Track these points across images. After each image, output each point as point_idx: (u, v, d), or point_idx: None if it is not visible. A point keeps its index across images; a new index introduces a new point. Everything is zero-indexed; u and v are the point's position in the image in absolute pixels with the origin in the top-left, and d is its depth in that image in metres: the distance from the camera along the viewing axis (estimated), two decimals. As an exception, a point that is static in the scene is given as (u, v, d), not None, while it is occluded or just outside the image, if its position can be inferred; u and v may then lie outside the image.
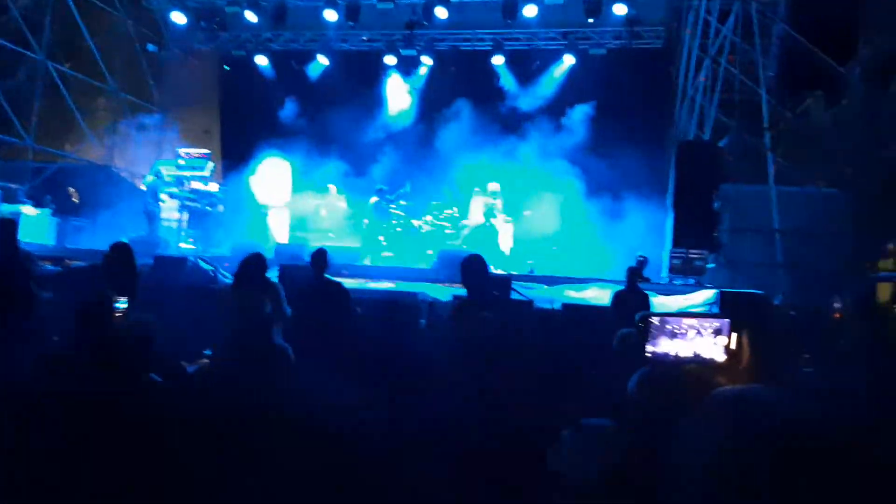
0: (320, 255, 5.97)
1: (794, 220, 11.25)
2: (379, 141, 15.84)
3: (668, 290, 9.61)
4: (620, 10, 15.21)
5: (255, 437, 3.26)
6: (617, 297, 7.48)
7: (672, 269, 10.61)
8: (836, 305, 5.19)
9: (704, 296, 9.13)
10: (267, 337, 5.06)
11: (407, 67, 17.50)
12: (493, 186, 13.93)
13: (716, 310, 8.73)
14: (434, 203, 14.40)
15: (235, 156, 16.02)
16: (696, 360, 3.19)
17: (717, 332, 3.20)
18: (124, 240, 6.20)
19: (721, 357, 3.17)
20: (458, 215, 14.33)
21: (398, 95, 17.21)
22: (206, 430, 3.22)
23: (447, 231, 14.22)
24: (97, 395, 3.16)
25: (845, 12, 12.09)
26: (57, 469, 2.98)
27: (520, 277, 10.98)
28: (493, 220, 13.51)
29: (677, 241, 10.68)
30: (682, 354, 3.21)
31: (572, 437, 3.26)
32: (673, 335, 3.21)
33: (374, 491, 3.34)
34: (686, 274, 10.43)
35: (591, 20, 15.60)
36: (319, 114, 15.65)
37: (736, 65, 12.83)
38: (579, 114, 15.11)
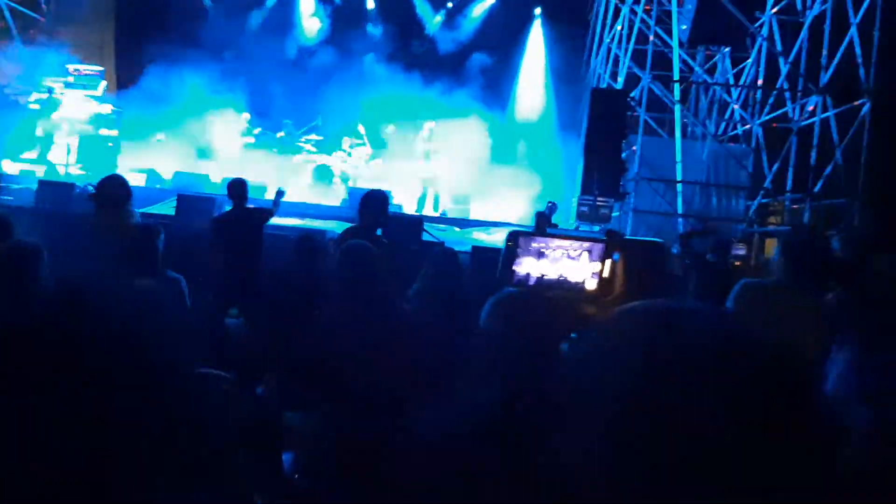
0: (239, 185, 5.65)
1: (697, 172, 11.75)
2: (288, 69, 15.09)
3: (572, 236, 9.88)
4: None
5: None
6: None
7: (580, 216, 10.89)
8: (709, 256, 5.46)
9: (608, 243, 9.45)
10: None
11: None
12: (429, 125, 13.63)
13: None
14: (346, 139, 14.02)
15: (130, 75, 14.87)
16: (562, 283, 3.04)
17: (589, 254, 3.05)
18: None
19: (591, 284, 3.03)
20: (371, 154, 14.04)
21: (310, 20, 16.44)
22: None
23: (356, 169, 13.90)
24: None
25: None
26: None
27: (432, 219, 11.00)
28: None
29: (585, 189, 10.93)
30: (546, 276, 3.06)
31: None
32: (540, 255, 3.05)
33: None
34: (592, 221, 10.73)
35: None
36: (224, 33, 14.73)
37: (652, 16, 12.98)
38: (499, 54, 14.98)
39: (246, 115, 14.06)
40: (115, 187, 4.75)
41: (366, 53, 15.64)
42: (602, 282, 2.98)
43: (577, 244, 3.11)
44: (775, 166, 12.02)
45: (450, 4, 16.57)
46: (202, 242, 6.17)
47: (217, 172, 11.93)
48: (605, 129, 11.50)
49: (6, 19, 14.92)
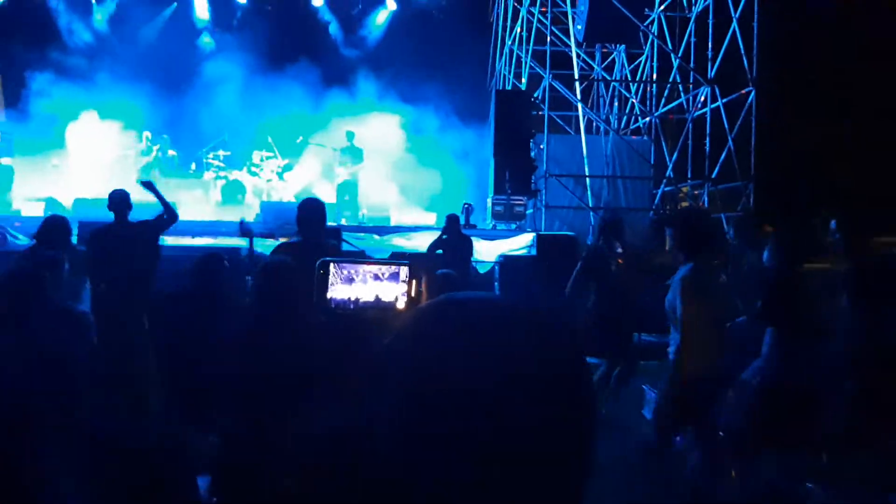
0: (119, 197, 5.30)
1: (603, 166, 12.23)
2: (191, 82, 14.65)
3: (492, 236, 10.10)
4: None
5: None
6: (434, 244, 7.73)
7: (495, 216, 11.13)
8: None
9: (525, 239, 9.71)
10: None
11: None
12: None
13: (534, 252, 9.37)
14: (256, 152, 13.72)
15: (15, 96, 14.06)
16: (377, 304, 3.26)
17: (395, 277, 3.30)
18: None
19: (402, 303, 3.26)
20: (281, 167, 13.78)
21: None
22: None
23: (269, 182, 13.63)
24: None
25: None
26: None
27: (350, 228, 10.95)
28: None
29: (499, 188, 11.18)
30: (362, 299, 3.27)
31: None
32: (350, 280, 3.29)
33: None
34: (508, 219, 10.99)
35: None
36: (115, 44, 14.16)
37: (548, 16, 13.40)
38: (403, 61, 15.04)
39: (147, 134, 13.50)
40: None
41: (266, 62, 15.34)
42: (410, 300, 3.28)
43: (384, 268, 3.48)
44: (675, 156, 12.67)
45: (354, 11, 16.57)
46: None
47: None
48: (512, 129, 11.81)
49: None
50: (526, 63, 13.70)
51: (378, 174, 13.61)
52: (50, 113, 12.96)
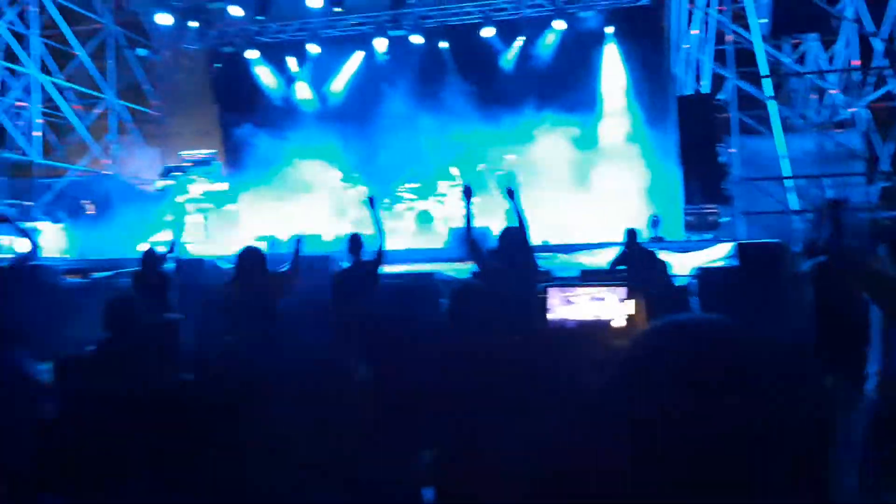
0: (354, 240, 6.04)
1: (806, 165, 11.38)
2: (379, 122, 15.85)
3: (685, 248, 9.79)
4: (606, -31, 15.14)
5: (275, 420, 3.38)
6: (616, 260, 7.67)
7: (687, 227, 10.76)
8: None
9: (723, 249, 9.31)
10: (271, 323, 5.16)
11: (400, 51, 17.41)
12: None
13: (735, 262, 8.94)
14: (442, 183, 14.49)
15: (236, 152, 16.06)
16: (596, 324, 3.34)
17: (615, 298, 3.37)
18: (151, 246, 6.53)
19: (620, 322, 3.33)
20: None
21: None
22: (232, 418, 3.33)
23: (455, 208, 14.33)
24: (129, 397, 3.27)
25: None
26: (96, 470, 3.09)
27: (535, 248, 11.12)
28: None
29: (688, 198, 10.81)
30: (584, 319, 3.37)
31: None
32: (569, 302, 3.41)
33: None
34: (701, 230, 10.59)
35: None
36: (319, 101, 15.67)
37: (727, 14, 12.81)
38: (576, 78, 15.11)
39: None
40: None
41: (445, 95, 16.13)
42: (629, 319, 3.33)
43: (602, 289, 3.54)
44: (889, 148, 11.47)
45: (522, 38, 16.95)
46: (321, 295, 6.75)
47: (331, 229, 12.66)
48: (698, 135, 11.41)
49: (125, 118, 16.51)
50: (707, 65, 13.17)
51: (558, 191, 13.74)
52: (264, 161, 14.60)
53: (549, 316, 3.64)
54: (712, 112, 11.87)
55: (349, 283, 5.91)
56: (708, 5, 13.12)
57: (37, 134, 14.46)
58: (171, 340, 3.65)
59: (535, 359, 3.81)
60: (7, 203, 11.99)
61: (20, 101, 14.76)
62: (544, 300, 3.64)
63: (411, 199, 14.54)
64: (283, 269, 6.05)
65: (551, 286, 3.70)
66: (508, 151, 14.13)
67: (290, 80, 17.48)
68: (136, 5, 16.80)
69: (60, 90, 15.17)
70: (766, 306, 5.35)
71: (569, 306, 3.63)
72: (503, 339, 4.00)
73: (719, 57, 12.70)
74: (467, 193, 5.90)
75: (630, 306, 3.58)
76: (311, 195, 14.53)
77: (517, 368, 3.83)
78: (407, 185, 14.68)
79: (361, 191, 14.80)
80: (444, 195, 14.35)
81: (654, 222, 10.78)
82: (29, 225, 11.93)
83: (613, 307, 3.58)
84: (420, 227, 13.91)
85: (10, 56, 14.35)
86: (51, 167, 15.04)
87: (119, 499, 2.97)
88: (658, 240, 10.66)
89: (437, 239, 13.33)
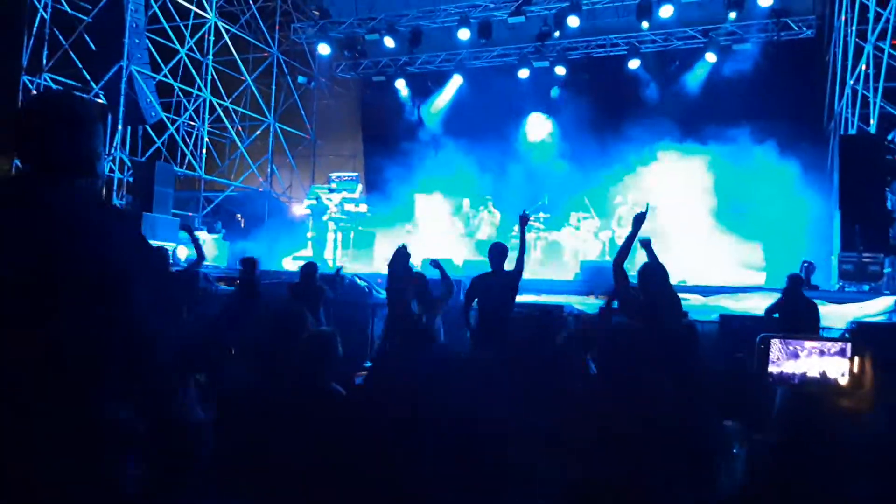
0: (497, 248, 6.14)
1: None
2: (516, 152, 16.00)
3: (840, 299, 9.00)
4: (766, 1, 14.43)
5: (419, 441, 3.42)
6: (772, 307, 7.14)
7: (843, 275, 9.87)
8: None
9: (884, 303, 8.47)
10: (423, 337, 5.29)
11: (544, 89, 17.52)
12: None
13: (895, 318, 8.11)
14: (574, 213, 14.33)
15: (379, 176, 16.82)
16: (822, 380, 3.17)
17: (841, 353, 3.19)
18: (312, 261, 6.94)
19: (844, 380, 3.12)
20: (599, 225, 14.16)
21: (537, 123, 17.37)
22: (379, 436, 3.42)
23: (585, 243, 14.10)
24: (286, 404, 3.43)
25: None
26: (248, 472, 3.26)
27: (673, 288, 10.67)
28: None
29: (847, 244, 9.95)
30: (808, 374, 3.22)
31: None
32: (795, 355, 3.24)
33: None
34: (859, 280, 9.68)
35: (732, 14, 14.95)
36: (458, 131, 16.08)
37: (901, 49, 11.79)
38: (727, 114, 14.43)
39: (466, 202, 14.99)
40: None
41: (584, 124, 15.96)
42: (853, 377, 3.15)
43: (829, 343, 3.38)
44: None
45: (670, 69, 16.51)
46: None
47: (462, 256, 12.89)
48: (862, 178, 10.52)
49: (280, 139, 17.80)
50: (875, 103, 12.15)
51: (699, 229, 13.14)
52: (402, 184, 15.15)
53: (772, 369, 3.55)
54: (880, 153, 10.90)
55: (490, 288, 5.99)
56: (882, 38, 12.14)
57: (203, 151, 15.91)
58: (333, 351, 3.85)
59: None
60: (173, 213, 13.25)
61: (192, 120, 16.33)
62: (766, 350, 3.55)
63: (541, 230, 14.45)
64: (435, 294, 6.27)
65: (773, 337, 3.62)
66: (646, 184, 13.71)
67: (431, 108, 18.10)
68: (300, 36, 18.17)
69: (227, 112, 16.63)
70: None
71: (795, 361, 3.53)
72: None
73: (889, 95, 11.69)
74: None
75: (856, 364, 3.43)
76: (443, 220, 14.87)
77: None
78: (539, 215, 14.62)
79: (495, 214, 14.91)
80: (576, 227, 14.15)
81: (807, 268, 9.99)
82: (199, 235, 13.18)
83: (839, 364, 3.45)
84: (548, 258, 13.80)
85: (187, 79, 15.95)
86: (212, 182, 16.49)
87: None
88: (813, 287, 9.87)
89: (565, 270, 13.16)
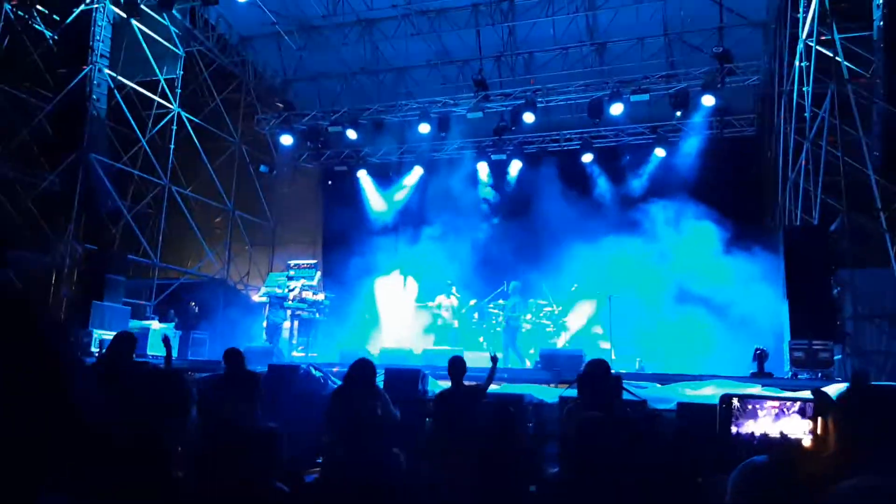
0: (456, 363, 6.10)
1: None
2: (474, 240, 16.19)
3: (794, 386, 9.08)
4: (708, 101, 15.29)
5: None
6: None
7: (794, 363, 10.01)
8: None
9: (835, 389, 8.55)
10: (378, 441, 5.22)
11: (499, 172, 18.09)
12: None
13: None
14: (532, 301, 14.41)
15: (337, 263, 16.79)
16: (783, 441, 3.18)
17: (801, 412, 3.23)
18: (238, 347, 6.59)
19: (807, 440, 3.14)
20: (557, 313, 14.26)
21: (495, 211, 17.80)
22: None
23: (548, 329, 14.15)
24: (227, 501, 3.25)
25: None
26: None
27: (630, 376, 10.67)
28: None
29: (796, 332, 10.16)
30: (769, 434, 3.22)
31: None
32: (754, 415, 3.28)
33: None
34: (811, 367, 9.83)
35: (678, 113, 15.76)
36: (418, 220, 16.28)
37: (837, 147, 12.48)
38: (675, 206, 14.98)
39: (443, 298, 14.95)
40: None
41: (538, 215, 16.35)
42: (817, 439, 3.15)
43: (788, 403, 3.37)
44: None
45: (621, 164, 17.21)
46: (409, 409, 6.75)
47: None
48: (807, 267, 10.86)
49: (239, 227, 17.73)
50: (817, 196, 12.74)
51: (653, 319, 13.32)
52: (362, 274, 15.11)
53: (735, 429, 3.52)
54: (823, 244, 11.34)
55: (451, 406, 5.97)
56: (819, 136, 12.87)
57: (160, 238, 15.72)
58: (274, 449, 3.63)
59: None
60: (124, 301, 12.94)
61: (150, 207, 16.22)
62: (728, 410, 3.53)
63: (497, 315, 14.47)
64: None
65: (734, 396, 3.60)
66: (601, 271, 13.96)
67: (393, 199, 18.40)
68: (263, 127, 18.50)
69: (186, 199, 16.59)
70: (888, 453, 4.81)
71: (755, 421, 3.49)
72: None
73: (830, 188, 12.27)
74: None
75: (818, 426, 3.40)
76: (402, 309, 14.80)
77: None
78: (498, 302, 14.67)
79: (454, 299, 14.89)
80: (535, 313, 14.22)
81: (759, 356, 10.12)
82: (150, 324, 12.84)
83: (800, 424, 3.42)
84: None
85: (147, 166, 15.90)
86: (166, 270, 16.21)
87: None
88: (766, 375, 9.96)
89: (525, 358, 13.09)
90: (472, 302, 14.79)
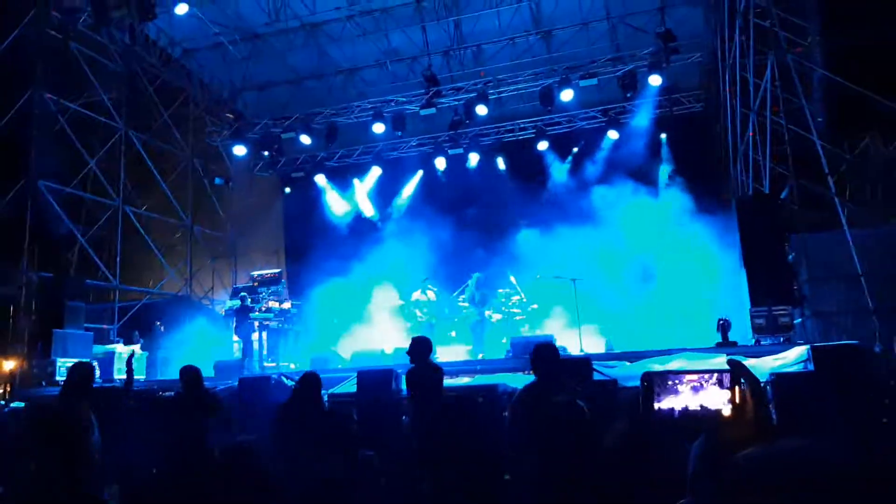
0: (421, 343, 6.14)
1: (873, 262, 10.85)
2: (440, 237, 16.20)
3: (757, 352, 9.30)
4: (655, 81, 15.52)
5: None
6: None
7: (756, 329, 10.24)
8: None
9: (797, 353, 8.79)
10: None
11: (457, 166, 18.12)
12: None
13: (811, 367, 8.41)
14: (501, 291, 14.49)
15: (302, 271, 16.65)
16: (703, 412, 3.25)
17: (719, 384, 3.29)
18: (195, 365, 6.48)
19: (727, 410, 3.22)
20: (525, 300, 14.35)
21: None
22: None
23: (517, 318, 14.24)
24: None
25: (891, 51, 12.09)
26: None
27: (600, 356, 10.80)
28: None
29: (756, 300, 10.40)
30: (690, 408, 3.30)
31: None
32: (675, 391, 3.31)
33: None
34: (773, 333, 10.08)
35: (628, 94, 15.98)
36: (379, 220, 16.24)
37: (781, 116, 12.78)
38: (631, 187, 15.21)
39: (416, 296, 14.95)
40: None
41: (502, 207, 16.46)
42: (735, 407, 3.24)
43: (707, 376, 3.48)
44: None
45: (576, 149, 17.39)
46: (384, 410, 6.67)
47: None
48: (761, 237, 11.13)
49: (199, 241, 17.47)
50: (766, 165, 13.04)
51: (621, 299, 13.51)
52: (328, 278, 15.00)
53: (657, 405, 3.53)
54: (775, 211, 11.62)
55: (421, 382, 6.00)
56: (762, 108, 13.15)
57: (118, 260, 15.39)
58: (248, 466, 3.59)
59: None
60: (86, 326, 12.67)
61: (104, 230, 15.88)
62: (650, 388, 3.59)
63: (465, 308, 14.52)
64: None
65: (655, 374, 3.68)
66: (565, 258, 14.09)
67: (354, 201, 18.32)
68: (215, 139, 18.24)
69: (141, 219, 16.28)
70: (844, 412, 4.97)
71: (676, 396, 3.56)
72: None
73: (779, 156, 12.57)
74: None
75: (736, 394, 3.48)
76: (373, 311, 14.76)
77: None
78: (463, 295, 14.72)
79: (431, 293, 14.88)
80: (504, 303, 14.29)
81: (723, 326, 10.33)
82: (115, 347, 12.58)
83: (720, 395, 3.48)
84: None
85: (98, 188, 15.55)
86: (127, 291, 15.90)
87: None
88: (731, 343, 10.17)
89: (496, 347, 13.18)
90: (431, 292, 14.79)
